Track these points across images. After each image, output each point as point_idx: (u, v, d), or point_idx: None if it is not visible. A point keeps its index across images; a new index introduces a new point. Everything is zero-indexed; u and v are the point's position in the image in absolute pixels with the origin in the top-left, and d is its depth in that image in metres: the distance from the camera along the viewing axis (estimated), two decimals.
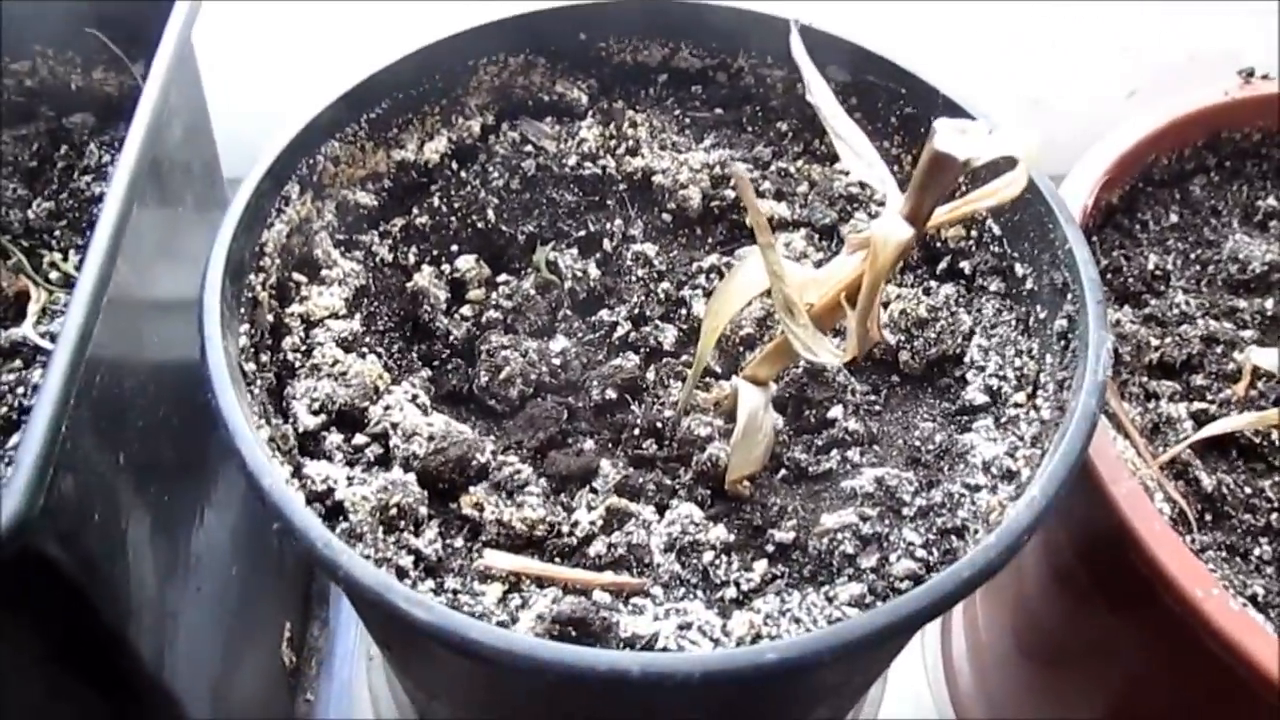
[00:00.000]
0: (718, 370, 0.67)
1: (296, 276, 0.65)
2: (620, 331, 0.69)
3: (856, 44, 0.72)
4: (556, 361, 0.66)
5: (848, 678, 0.61)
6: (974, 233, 0.70)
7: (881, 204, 0.69)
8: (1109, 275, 0.77)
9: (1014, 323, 0.66)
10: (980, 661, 0.94)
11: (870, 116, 0.74)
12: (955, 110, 0.68)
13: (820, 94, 0.51)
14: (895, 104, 0.72)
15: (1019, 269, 0.66)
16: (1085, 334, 0.58)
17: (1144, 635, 0.67)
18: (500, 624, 0.52)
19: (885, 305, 0.67)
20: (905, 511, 0.58)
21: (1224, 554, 0.65)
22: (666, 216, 0.74)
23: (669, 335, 0.69)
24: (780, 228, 0.73)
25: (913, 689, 0.98)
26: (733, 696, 0.53)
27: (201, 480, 0.76)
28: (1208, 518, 0.67)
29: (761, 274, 0.53)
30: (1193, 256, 0.79)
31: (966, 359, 0.66)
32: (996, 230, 0.68)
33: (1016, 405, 0.62)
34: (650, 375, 0.66)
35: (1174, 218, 0.81)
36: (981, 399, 0.63)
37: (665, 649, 0.51)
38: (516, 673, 0.46)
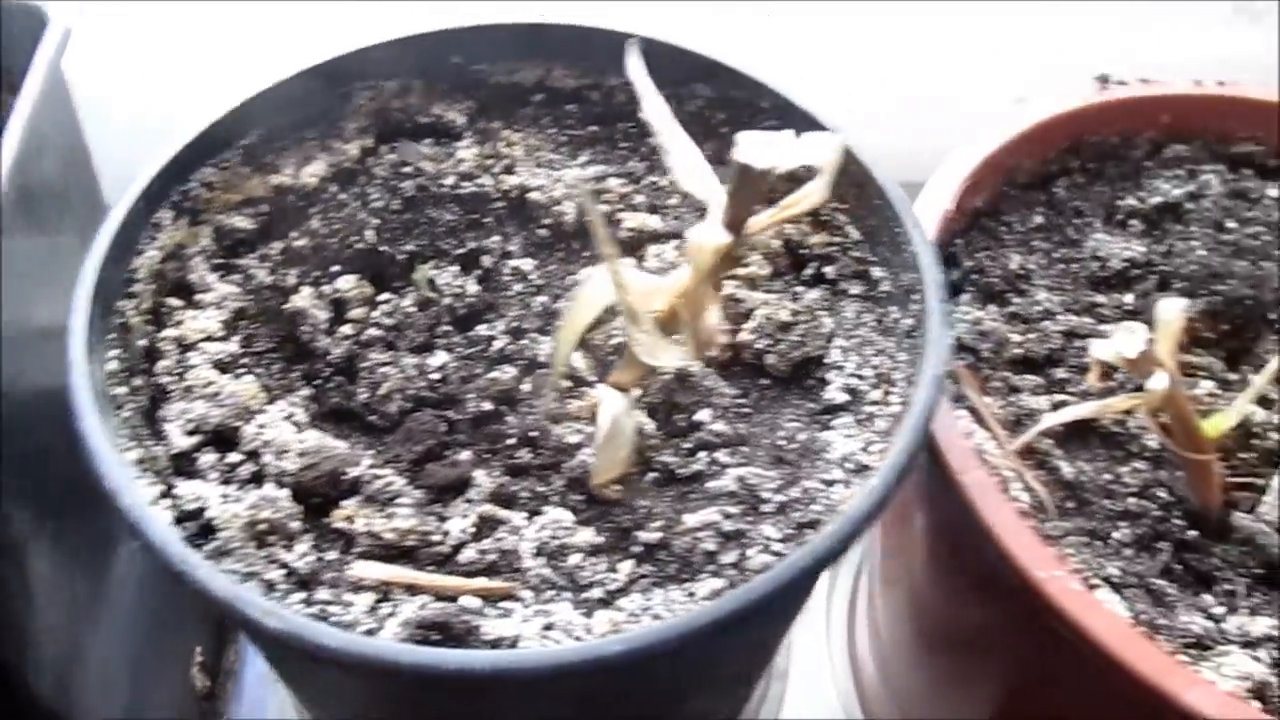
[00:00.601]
0: (592, 379, 0.69)
1: (171, 301, 0.66)
2: (498, 345, 0.70)
3: (718, 60, 0.74)
4: (435, 376, 0.68)
5: (711, 669, 0.63)
6: (837, 239, 0.72)
7: None
8: (974, 276, 0.79)
9: (872, 324, 0.69)
10: (883, 658, 0.97)
11: (737, 130, 0.76)
12: (811, 122, 0.71)
13: (652, 109, 0.53)
14: (758, 118, 0.75)
15: (875, 272, 0.69)
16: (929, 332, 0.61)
17: (1010, 621, 0.70)
18: (368, 631, 0.54)
19: (749, 313, 0.69)
20: (765, 508, 0.60)
21: (1085, 538, 0.68)
22: (543, 232, 0.76)
23: (545, 347, 0.70)
24: (653, 240, 0.75)
25: (818, 687, 1.00)
26: (591, 691, 0.55)
27: (105, 508, 0.77)
28: (1070, 505, 0.69)
29: (609, 285, 0.55)
30: (1056, 255, 0.82)
31: (828, 360, 0.68)
32: (856, 236, 0.71)
33: (873, 402, 0.65)
34: (526, 386, 0.68)
35: (1039, 219, 0.84)
36: (842, 397, 0.66)
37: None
38: (372, 676, 0.48)
